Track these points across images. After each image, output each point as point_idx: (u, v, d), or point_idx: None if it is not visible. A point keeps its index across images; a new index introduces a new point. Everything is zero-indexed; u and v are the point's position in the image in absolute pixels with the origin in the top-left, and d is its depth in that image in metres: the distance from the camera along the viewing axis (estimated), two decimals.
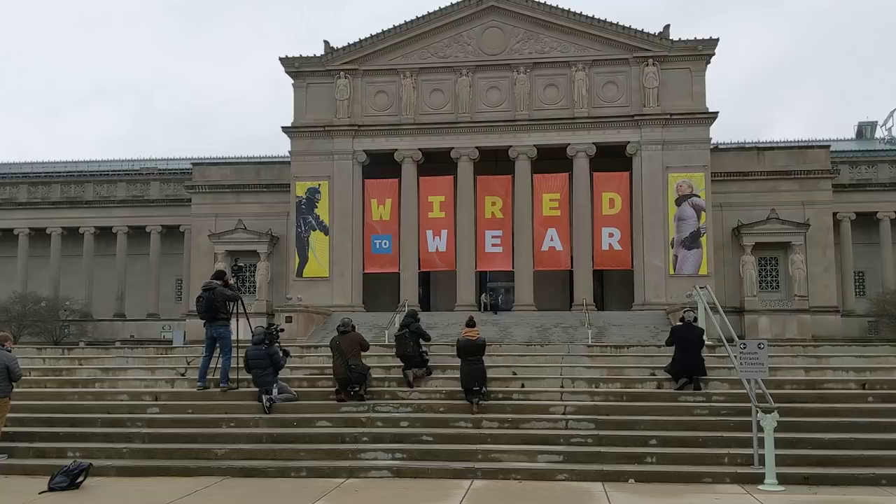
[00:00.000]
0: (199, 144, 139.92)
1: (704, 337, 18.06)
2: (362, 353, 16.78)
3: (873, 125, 66.53)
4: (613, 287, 46.68)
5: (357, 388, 16.43)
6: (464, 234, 44.23)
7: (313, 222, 45.40)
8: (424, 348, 17.84)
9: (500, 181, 44.39)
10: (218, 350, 17.30)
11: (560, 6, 44.58)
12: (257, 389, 16.43)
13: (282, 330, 18.00)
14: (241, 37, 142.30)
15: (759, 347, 14.16)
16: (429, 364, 17.67)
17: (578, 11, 44.36)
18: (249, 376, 16.68)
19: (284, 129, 46.20)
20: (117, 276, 54.40)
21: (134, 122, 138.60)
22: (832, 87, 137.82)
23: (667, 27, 44.39)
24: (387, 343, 21.13)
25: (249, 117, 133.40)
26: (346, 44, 45.93)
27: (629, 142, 43.91)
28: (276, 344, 16.77)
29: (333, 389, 16.81)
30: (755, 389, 14.04)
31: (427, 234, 44.56)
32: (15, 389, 14.99)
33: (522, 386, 17.09)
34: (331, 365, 17.10)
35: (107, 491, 12.90)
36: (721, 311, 20.70)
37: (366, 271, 45.23)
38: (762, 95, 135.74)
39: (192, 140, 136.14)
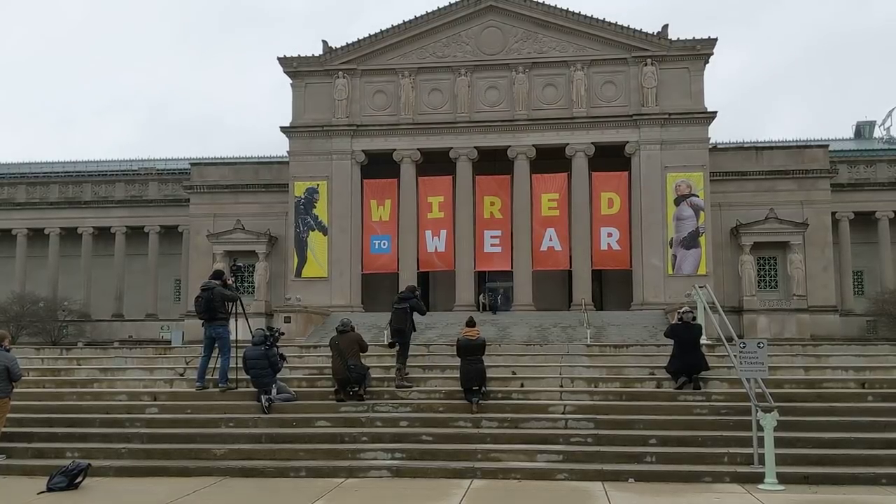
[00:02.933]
0: (204, 149, 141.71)
1: (704, 336, 18.07)
2: (361, 354, 16.77)
3: (872, 125, 66.56)
4: (612, 287, 46.67)
5: (356, 388, 16.42)
6: (463, 234, 44.20)
7: (312, 222, 45.37)
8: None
9: (499, 181, 44.36)
10: (217, 350, 17.29)
11: (558, 6, 44.58)
12: (256, 389, 16.41)
13: (282, 334, 17.99)
14: (251, 51, 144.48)
15: (759, 347, 14.14)
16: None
17: (577, 11, 44.36)
18: (248, 376, 16.67)
19: (283, 128, 46.15)
20: (116, 276, 54.35)
21: (144, 131, 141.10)
22: (830, 86, 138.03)
23: (665, 27, 44.39)
24: (386, 343, 21.06)
25: (254, 123, 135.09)
26: (344, 43, 45.95)
27: (628, 141, 43.90)
28: (275, 347, 16.77)
29: (332, 389, 16.80)
30: (755, 389, 14.04)
31: (426, 234, 44.52)
32: (14, 390, 14.96)
33: (522, 385, 17.07)
34: (330, 365, 17.08)
35: (105, 491, 12.87)
36: (720, 310, 20.69)
37: (364, 272, 45.20)
38: (761, 95, 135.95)
39: (198, 147, 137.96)
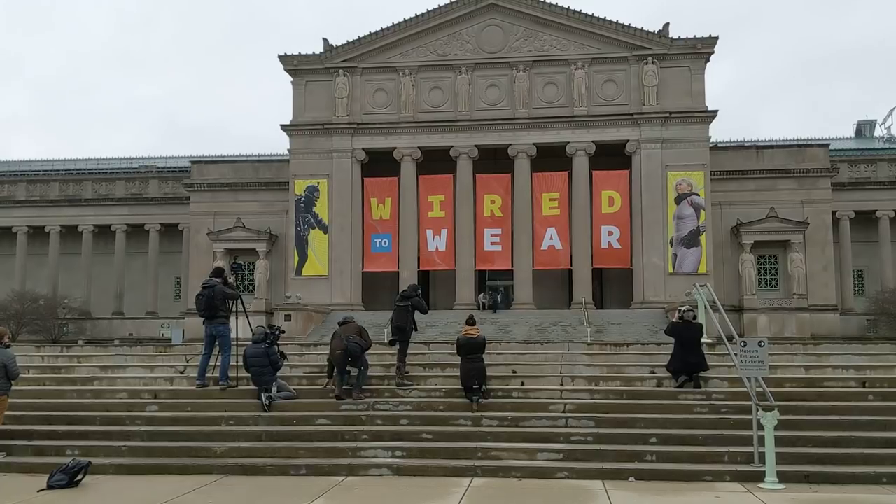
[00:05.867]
0: (208, 152, 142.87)
1: (704, 335, 18.03)
2: (362, 355, 16.76)
3: (872, 123, 66.50)
4: (612, 285, 46.66)
5: (350, 388, 16.41)
6: (463, 233, 44.18)
7: (312, 221, 45.35)
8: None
9: (500, 180, 44.33)
10: (217, 348, 17.28)
11: (560, 4, 44.52)
12: (256, 388, 16.41)
13: (283, 332, 18.01)
14: (258, 61, 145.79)
15: (760, 345, 14.11)
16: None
17: (578, 10, 44.31)
18: (248, 374, 16.67)
19: (283, 126, 46.10)
20: (116, 274, 54.35)
21: (156, 138, 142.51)
22: (831, 86, 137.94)
23: (666, 25, 44.34)
24: (387, 341, 21.05)
25: (258, 128, 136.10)
26: (344, 41, 45.91)
27: (628, 140, 43.87)
28: (276, 345, 16.77)
29: (331, 390, 16.75)
30: (755, 387, 14.01)
31: (427, 233, 44.51)
32: (13, 387, 14.95)
33: (522, 384, 17.07)
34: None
35: (106, 489, 12.86)
36: (721, 309, 20.67)
37: (365, 270, 45.18)
38: (761, 94, 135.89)
39: (203, 150, 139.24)
